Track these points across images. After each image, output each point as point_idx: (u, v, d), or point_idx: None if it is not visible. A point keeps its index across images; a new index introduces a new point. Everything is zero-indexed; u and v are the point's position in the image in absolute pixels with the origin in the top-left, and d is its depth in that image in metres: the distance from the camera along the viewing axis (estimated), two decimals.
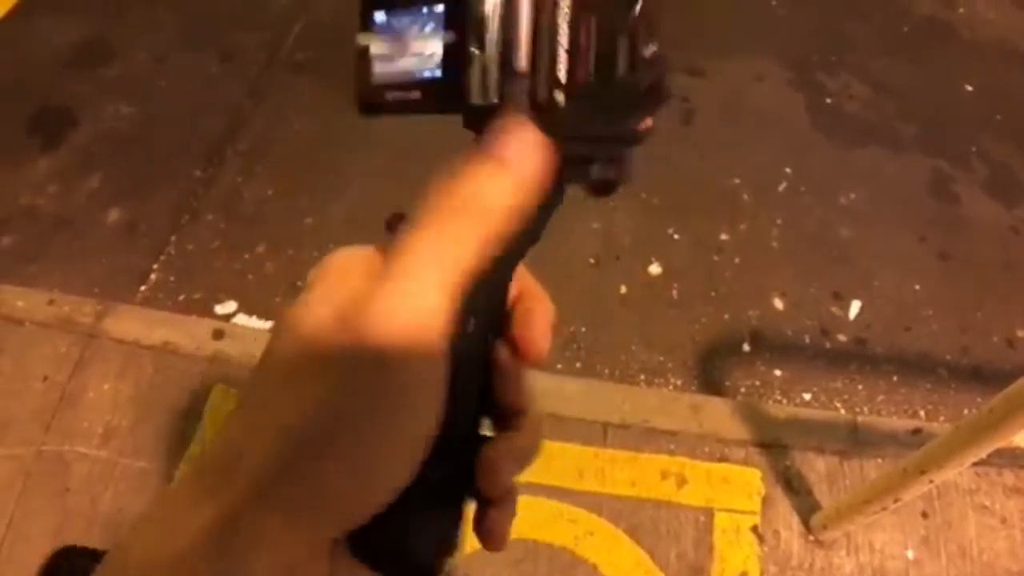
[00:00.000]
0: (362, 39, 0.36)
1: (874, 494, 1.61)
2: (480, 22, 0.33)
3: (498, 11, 0.33)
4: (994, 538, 1.83)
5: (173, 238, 2.46)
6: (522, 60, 0.33)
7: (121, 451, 1.91)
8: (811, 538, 1.82)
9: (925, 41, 3.35)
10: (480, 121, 0.34)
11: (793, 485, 1.89)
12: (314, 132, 2.79)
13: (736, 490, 1.88)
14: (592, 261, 2.46)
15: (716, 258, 2.49)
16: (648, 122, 0.37)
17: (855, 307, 2.40)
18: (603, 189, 0.39)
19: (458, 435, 0.35)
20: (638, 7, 0.35)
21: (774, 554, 1.80)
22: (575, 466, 1.90)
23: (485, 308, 0.36)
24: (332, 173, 2.63)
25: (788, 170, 2.76)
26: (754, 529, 1.83)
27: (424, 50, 0.35)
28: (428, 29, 0.35)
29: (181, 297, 2.32)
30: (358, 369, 0.29)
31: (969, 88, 3.16)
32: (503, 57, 0.33)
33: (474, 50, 0.33)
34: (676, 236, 2.54)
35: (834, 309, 2.39)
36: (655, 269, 2.45)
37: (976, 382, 2.25)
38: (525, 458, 0.37)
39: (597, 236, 2.52)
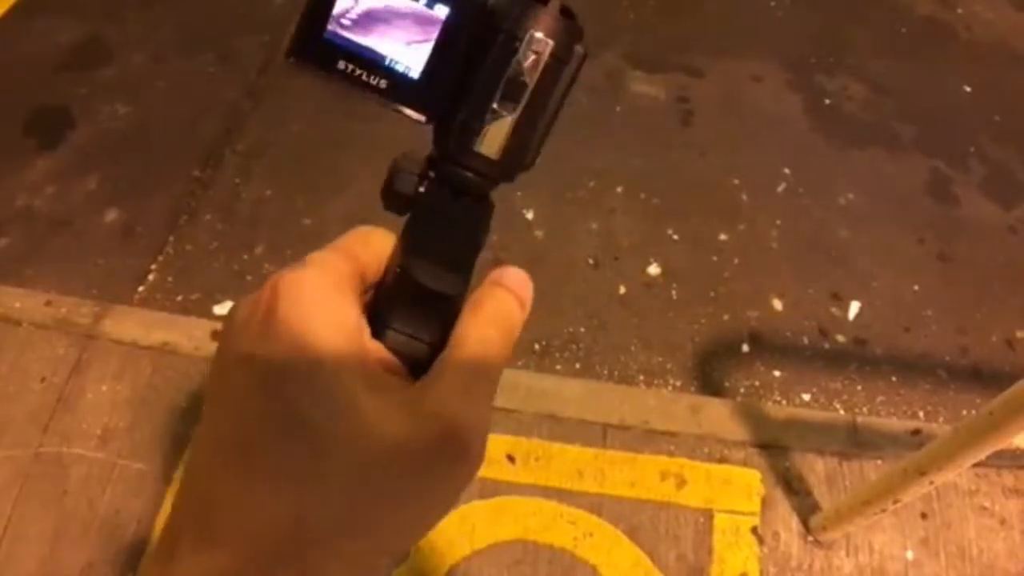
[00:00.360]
0: None
1: (874, 495, 1.60)
2: (516, 84, 0.35)
3: (534, 81, 0.35)
4: (993, 539, 1.83)
5: (171, 239, 2.46)
6: (529, 130, 0.36)
7: (119, 453, 1.90)
8: (811, 539, 1.81)
9: (923, 42, 3.35)
10: (471, 164, 0.36)
11: (793, 486, 1.89)
12: (312, 133, 2.79)
13: (736, 491, 1.88)
14: (591, 262, 2.45)
15: (715, 259, 2.49)
16: None
17: (854, 308, 2.40)
18: None
19: None
20: None
21: (774, 555, 1.79)
22: (574, 467, 1.90)
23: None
24: (330, 174, 2.63)
25: (787, 171, 2.76)
26: (754, 530, 1.83)
27: (408, 42, 0.35)
28: (419, 23, 0.35)
29: (179, 298, 2.31)
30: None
31: (967, 89, 3.16)
32: (523, 123, 0.35)
33: (496, 107, 0.35)
34: (675, 237, 2.54)
35: (833, 310, 2.39)
36: (654, 270, 2.45)
37: (975, 383, 2.25)
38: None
39: (596, 237, 2.52)
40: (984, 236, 2.63)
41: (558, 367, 2.20)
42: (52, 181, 2.60)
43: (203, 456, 0.32)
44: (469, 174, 0.36)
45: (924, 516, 1.85)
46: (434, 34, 0.35)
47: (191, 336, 2.10)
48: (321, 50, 0.35)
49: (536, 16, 0.35)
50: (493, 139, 0.35)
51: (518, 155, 0.36)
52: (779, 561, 1.79)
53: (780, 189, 2.71)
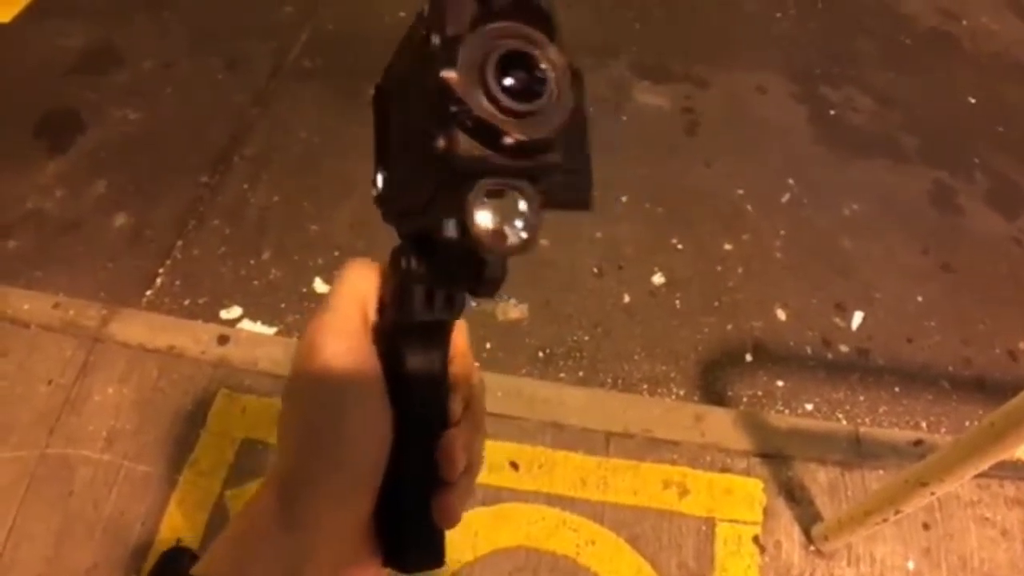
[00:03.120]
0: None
1: (875, 505, 1.61)
2: None
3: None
4: (995, 550, 1.83)
5: (179, 243, 2.47)
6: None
7: (125, 455, 1.91)
8: (812, 549, 1.82)
9: (928, 54, 3.37)
10: None
11: (795, 496, 1.89)
12: (320, 139, 2.80)
13: (738, 500, 1.89)
14: (595, 271, 2.47)
15: (719, 268, 2.50)
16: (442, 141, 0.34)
17: (857, 318, 2.41)
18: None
19: (417, 432, 0.43)
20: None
21: (775, 564, 1.80)
22: (577, 475, 1.90)
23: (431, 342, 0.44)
24: (337, 180, 2.64)
25: (791, 181, 2.78)
26: (755, 539, 1.83)
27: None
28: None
29: (186, 302, 2.33)
30: (317, 399, 0.41)
31: (972, 100, 3.17)
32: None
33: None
34: (679, 246, 2.55)
35: (836, 320, 2.40)
36: (658, 279, 2.46)
37: (978, 394, 2.25)
38: (475, 446, 0.46)
39: (600, 245, 2.53)
40: (988, 247, 2.64)
41: (562, 375, 2.21)
42: (61, 184, 2.62)
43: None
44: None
45: (926, 526, 1.86)
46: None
47: (198, 340, 2.12)
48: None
49: None
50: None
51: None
52: (780, 570, 1.79)
53: (784, 199, 2.73)
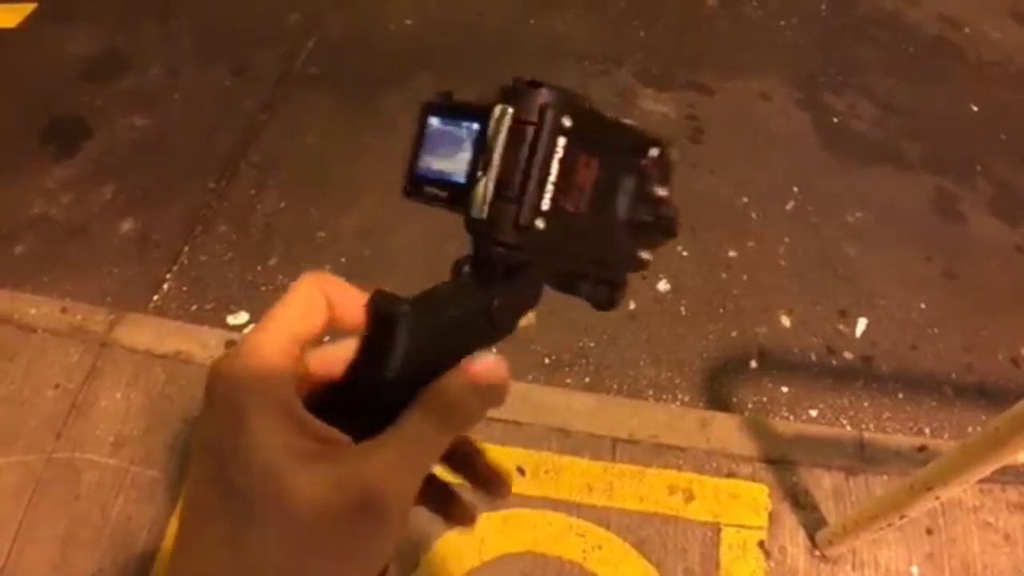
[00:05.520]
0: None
1: (880, 510, 1.62)
2: (489, 150, 0.39)
3: (502, 144, 0.39)
4: (997, 555, 1.84)
5: (186, 249, 2.48)
6: (513, 188, 0.39)
7: (132, 459, 1.92)
8: (817, 554, 1.82)
9: (931, 62, 3.38)
10: (476, 229, 0.40)
11: (800, 501, 1.90)
12: (326, 146, 2.82)
13: (743, 506, 1.89)
14: None
15: (724, 275, 2.51)
16: (646, 255, 0.48)
17: (861, 325, 2.41)
18: (597, 306, 0.48)
19: None
20: (651, 154, 0.46)
21: (780, 569, 1.80)
22: (584, 480, 1.91)
23: None
24: (344, 187, 2.66)
25: (795, 188, 2.79)
26: (761, 544, 1.84)
27: (458, 157, 0.42)
28: (465, 140, 0.42)
29: (193, 307, 2.34)
30: None
31: (974, 108, 3.18)
32: (498, 183, 0.39)
33: (480, 172, 0.40)
34: (684, 253, 2.56)
35: (840, 327, 2.41)
36: (663, 285, 2.47)
37: (981, 400, 2.26)
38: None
39: None
40: (990, 254, 2.65)
41: (568, 381, 2.22)
42: (68, 190, 2.64)
43: (180, 527, 0.37)
44: (479, 241, 0.41)
45: (929, 532, 1.86)
46: (470, 143, 0.41)
47: (205, 345, 2.13)
48: (414, 180, 0.44)
49: (503, 91, 0.40)
50: (479, 201, 0.39)
51: (505, 214, 0.39)
52: (786, 575, 1.80)
53: (789, 207, 2.74)
